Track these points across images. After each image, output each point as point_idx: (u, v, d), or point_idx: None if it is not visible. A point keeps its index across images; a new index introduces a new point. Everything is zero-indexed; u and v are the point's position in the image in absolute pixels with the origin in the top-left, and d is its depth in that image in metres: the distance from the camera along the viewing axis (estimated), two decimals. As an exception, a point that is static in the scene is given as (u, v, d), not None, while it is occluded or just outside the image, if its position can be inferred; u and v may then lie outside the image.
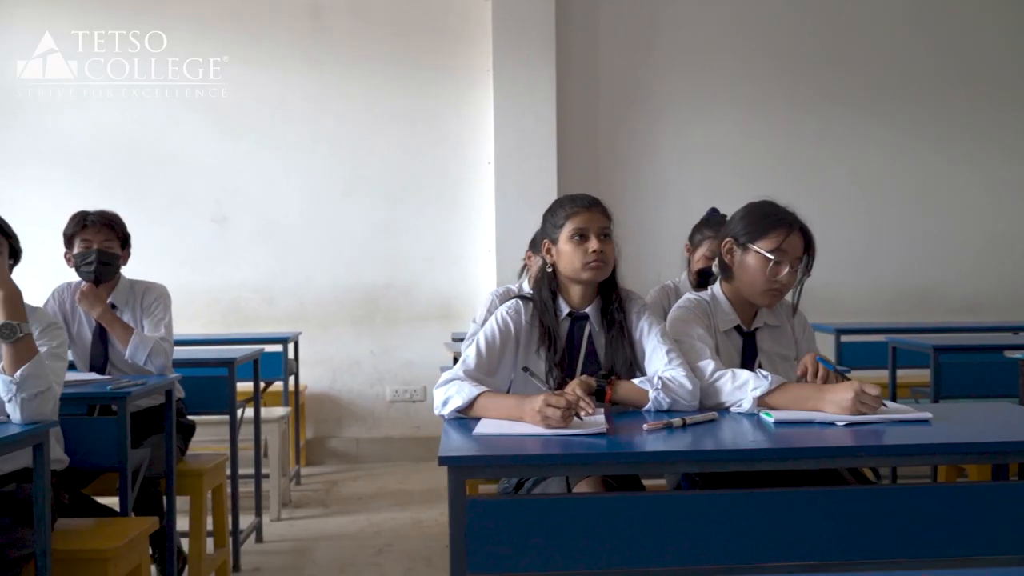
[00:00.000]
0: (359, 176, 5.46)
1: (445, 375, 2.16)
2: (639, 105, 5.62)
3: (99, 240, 3.05)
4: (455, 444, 1.70)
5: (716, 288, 2.40)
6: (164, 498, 2.94)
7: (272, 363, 4.57)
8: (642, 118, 5.62)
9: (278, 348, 4.60)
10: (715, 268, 2.44)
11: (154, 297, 3.15)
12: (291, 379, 4.84)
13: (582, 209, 2.20)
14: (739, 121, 5.65)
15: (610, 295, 2.24)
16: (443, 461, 1.58)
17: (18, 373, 2.04)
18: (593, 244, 2.17)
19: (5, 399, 2.06)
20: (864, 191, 5.71)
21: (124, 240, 3.15)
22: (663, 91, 5.62)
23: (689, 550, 1.61)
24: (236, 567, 3.53)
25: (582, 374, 2.15)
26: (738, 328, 2.34)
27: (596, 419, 1.89)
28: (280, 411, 4.43)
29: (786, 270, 2.22)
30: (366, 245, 5.46)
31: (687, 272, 3.43)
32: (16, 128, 5.30)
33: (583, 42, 5.55)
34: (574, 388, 1.99)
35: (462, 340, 4.33)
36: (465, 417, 2.03)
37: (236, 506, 3.58)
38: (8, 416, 2.09)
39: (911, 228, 5.71)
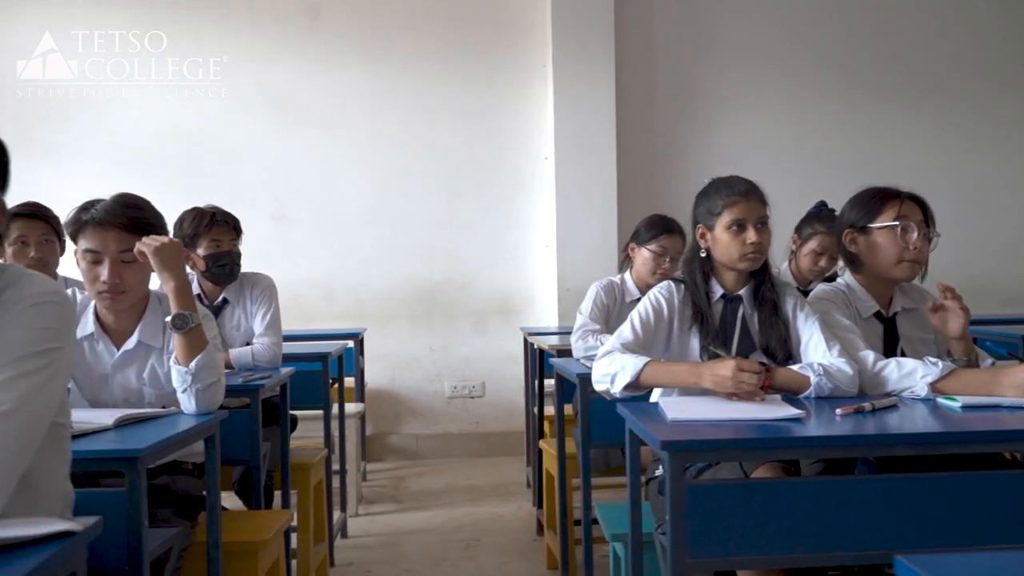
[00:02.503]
0: (417, 172, 5.45)
1: (601, 350, 2.17)
2: (695, 100, 5.62)
3: (226, 240, 3.03)
4: (662, 429, 1.69)
5: (847, 277, 2.40)
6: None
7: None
8: (698, 113, 5.62)
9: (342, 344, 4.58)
10: (838, 269, 2.48)
11: (261, 289, 3.14)
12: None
13: (739, 198, 2.19)
14: (793, 117, 5.66)
15: (763, 277, 2.25)
16: (665, 446, 1.58)
17: (193, 364, 2.03)
18: (751, 235, 2.17)
19: (179, 389, 2.04)
20: (917, 186, 5.71)
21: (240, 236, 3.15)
22: (718, 86, 5.63)
23: (913, 531, 1.61)
24: (331, 562, 3.52)
25: (737, 354, 2.16)
26: (877, 314, 2.34)
27: (778, 403, 1.89)
28: (356, 407, 4.42)
29: (915, 234, 2.24)
30: (424, 241, 5.45)
31: (791, 262, 3.47)
32: (72, 125, 5.27)
33: (639, 37, 5.55)
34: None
35: (538, 334, 4.34)
36: (635, 394, 2.03)
37: (332, 501, 3.56)
38: (178, 406, 2.08)
39: (965, 222, 5.72)
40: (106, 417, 1.82)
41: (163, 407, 2.16)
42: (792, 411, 1.80)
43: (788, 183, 5.63)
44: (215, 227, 3.05)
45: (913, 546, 1.64)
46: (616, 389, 2.04)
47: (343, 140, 5.44)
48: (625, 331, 2.17)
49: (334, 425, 3.90)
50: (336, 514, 3.87)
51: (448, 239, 5.46)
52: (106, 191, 2.25)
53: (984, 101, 5.78)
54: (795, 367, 2.10)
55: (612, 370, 2.06)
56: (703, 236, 2.25)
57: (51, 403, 1.28)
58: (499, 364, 5.46)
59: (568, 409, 3.63)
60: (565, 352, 3.52)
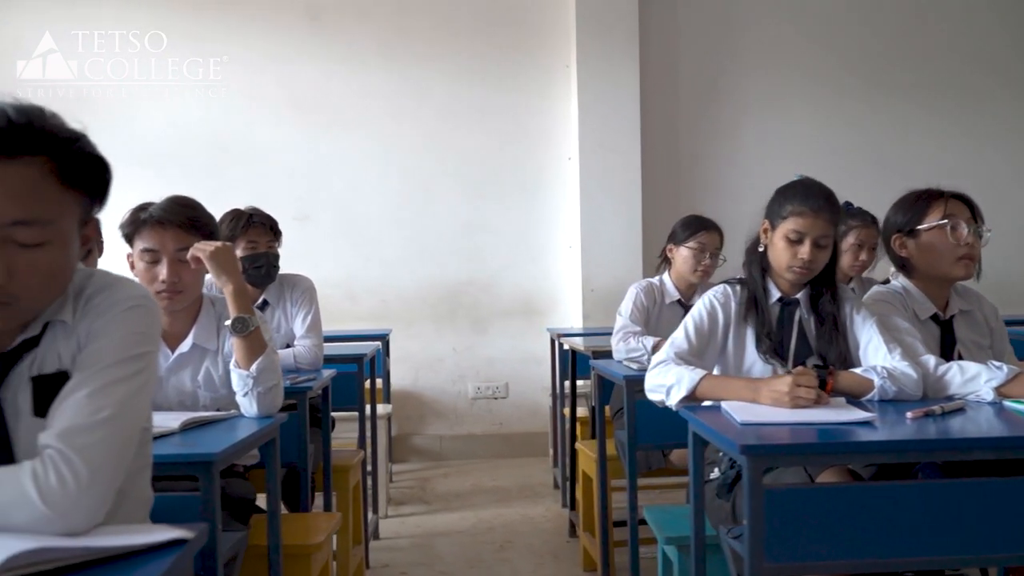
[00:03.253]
0: (440, 172, 5.45)
1: (654, 359, 2.16)
2: (718, 100, 5.61)
3: (264, 242, 3.02)
4: (737, 433, 1.68)
5: (902, 280, 2.39)
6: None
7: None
8: (721, 113, 5.61)
9: (375, 346, 4.57)
10: (890, 275, 2.47)
11: (301, 290, 3.13)
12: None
13: (809, 213, 2.14)
14: (817, 117, 5.65)
15: (821, 288, 2.23)
16: (745, 450, 1.57)
17: (254, 367, 2.02)
18: (804, 251, 2.14)
19: (240, 393, 2.04)
20: (941, 186, 5.70)
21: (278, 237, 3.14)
22: (741, 86, 5.62)
23: (987, 536, 1.60)
24: (366, 564, 3.51)
25: (794, 359, 2.16)
26: (934, 317, 2.33)
27: (843, 405, 1.89)
28: (384, 408, 4.41)
29: (965, 231, 2.24)
30: (447, 241, 5.45)
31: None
32: (98, 126, 5.25)
33: (663, 37, 5.54)
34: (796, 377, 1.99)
35: (570, 335, 4.34)
36: (692, 404, 2.02)
37: (367, 503, 3.56)
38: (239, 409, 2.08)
39: (990, 221, 5.70)
40: (171, 421, 1.82)
41: (217, 410, 2.16)
42: (861, 414, 1.79)
43: (812, 183, 5.64)
44: (252, 228, 3.04)
45: (986, 552, 1.64)
46: (672, 402, 2.04)
47: (366, 140, 5.43)
48: (679, 339, 2.16)
49: (351, 427, 3.89)
50: (368, 516, 3.87)
51: (471, 240, 5.45)
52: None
53: (1008, 100, 5.77)
54: (857, 370, 2.09)
55: (667, 382, 2.05)
56: (765, 231, 2.23)
57: (144, 408, 1.27)
58: (523, 365, 5.46)
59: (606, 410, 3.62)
60: (601, 354, 3.52)
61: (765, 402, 1.88)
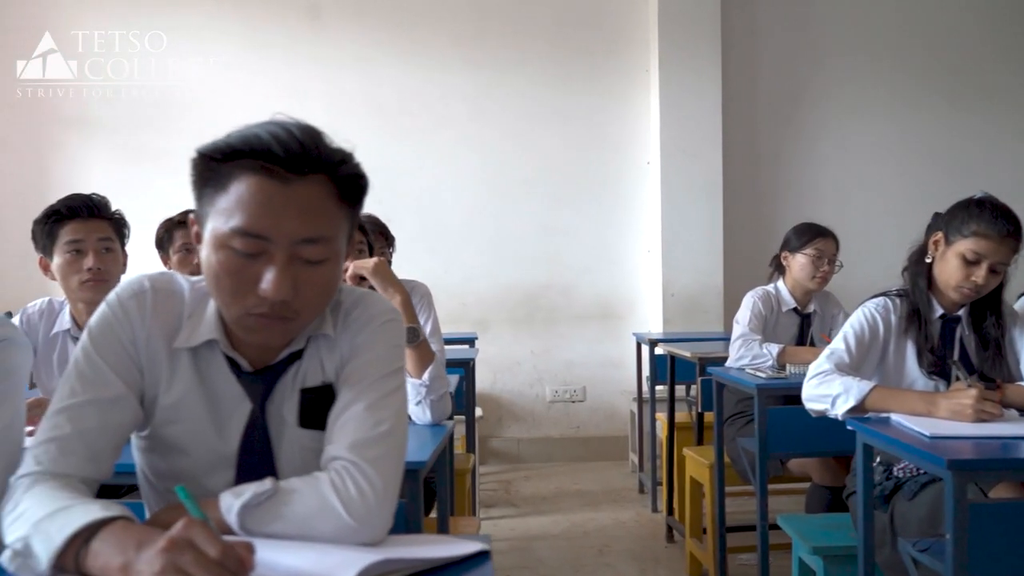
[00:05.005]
0: (519, 176, 5.47)
1: (813, 369, 2.16)
2: (797, 103, 5.59)
3: (378, 246, 3.06)
4: (937, 447, 1.68)
5: None
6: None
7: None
8: (800, 116, 5.59)
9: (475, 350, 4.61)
10: None
11: (420, 296, 3.15)
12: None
13: (995, 238, 2.07)
14: (898, 119, 5.61)
15: (985, 310, 2.20)
16: (952, 465, 1.57)
17: (425, 376, 2.05)
18: (979, 275, 2.09)
19: (413, 402, 2.06)
20: (1024, 190, 5.65)
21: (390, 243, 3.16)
22: (821, 89, 5.60)
23: None
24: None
25: (956, 377, 2.15)
26: None
27: (1017, 419, 1.89)
28: (478, 411, 4.44)
29: None
30: (526, 245, 5.47)
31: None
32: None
33: (743, 41, 5.53)
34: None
35: (655, 341, 4.34)
36: (854, 417, 2.02)
37: (476, 506, 3.59)
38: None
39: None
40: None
41: None
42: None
43: (892, 188, 5.62)
44: (364, 234, 3.07)
45: None
46: (838, 411, 2.04)
47: (446, 145, 5.47)
48: (839, 349, 2.16)
49: (459, 429, 3.92)
50: (465, 518, 3.90)
51: (550, 243, 5.47)
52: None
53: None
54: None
55: (832, 392, 2.05)
56: (936, 243, 2.20)
57: (406, 417, 1.30)
58: (600, 369, 5.47)
59: (710, 417, 3.63)
60: (708, 360, 3.52)
61: (942, 415, 1.88)
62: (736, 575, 3.29)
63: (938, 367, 2.16)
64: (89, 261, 2.22)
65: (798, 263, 3.21)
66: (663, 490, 4.21)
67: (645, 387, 4.70)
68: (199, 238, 1.23)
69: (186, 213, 3.15)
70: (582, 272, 5.50)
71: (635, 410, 4.92)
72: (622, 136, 5.49)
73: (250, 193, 1.13)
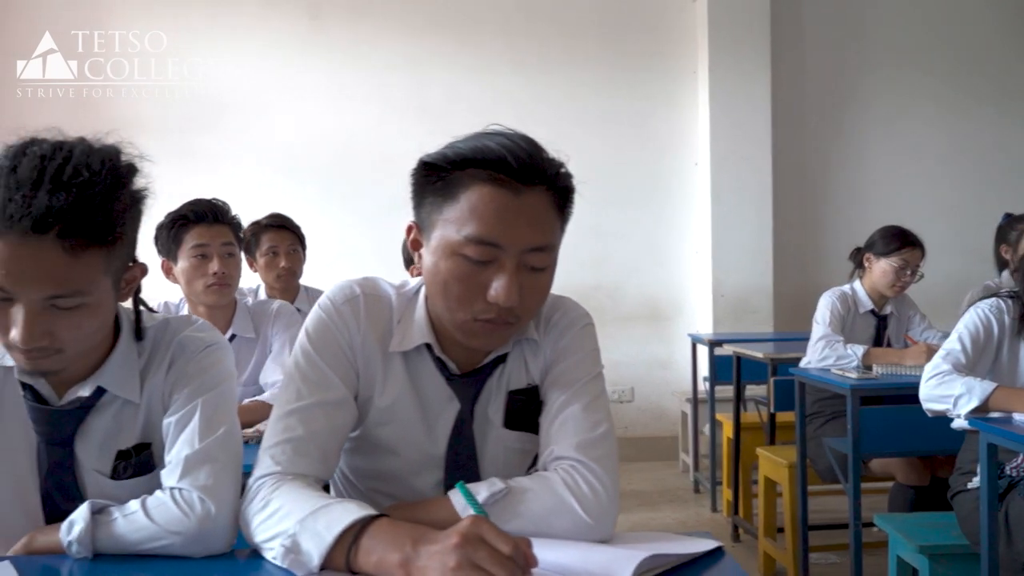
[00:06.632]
0: (567, 178, 5.49)
1: (930, 370, 2.20)
2: (846, 103, 5.63)
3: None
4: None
5: None
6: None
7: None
8: (849, 117, 5.63)
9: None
10: None
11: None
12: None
13: None
14: (946, 121, 5.64)
15: None
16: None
17: None
18: None
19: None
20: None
21: None
22: (869, 91, 5.63)
23: None
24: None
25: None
26: None
27: None
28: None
29: None
30: (573, 246, 5.35)
31: (1011, 271, 3.47)
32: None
33: (791, 43, 5.56)
34: None
35: (714, 342, 4.37)
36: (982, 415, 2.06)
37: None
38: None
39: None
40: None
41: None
42: None
43: (939, 191, 5.65)
44: None
45: None
46: (961, 411, 2.08)
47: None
48: (955, 350, 2.20)
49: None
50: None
51: (597, 245, 5.50)
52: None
53: None
54: None
55: (953, 392, 2.09)
56: None
57: None
58: (648, 369, 5.50)
59: (783, 417, 3.67)
60: (780, 360, 3.56)
61: None
62: (815, 574, 3.32)
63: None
64: (214, 266, 2.26)
65: (880, 268, 3.22)
66: (723, 490, 4.26)
67: (701, 387, 4.73)
68: (417, 245, 1.26)
69: (273, 216, 3.20)
70: (630, 273, 5.53)
71: (687, 411, 4.95)
72: (670, 138, 5.52)
73: (483, 202, 1.17)
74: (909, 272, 3.19)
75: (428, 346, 1.28)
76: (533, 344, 1.32)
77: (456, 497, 1.15)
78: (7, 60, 5.21)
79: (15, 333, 1.10)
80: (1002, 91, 5.65)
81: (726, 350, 4.09)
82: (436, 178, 1.21)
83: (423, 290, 1.31)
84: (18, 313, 1.09)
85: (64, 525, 1.13)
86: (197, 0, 5.36)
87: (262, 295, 3.19)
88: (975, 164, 5.62)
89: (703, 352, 4.62)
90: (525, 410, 1.30)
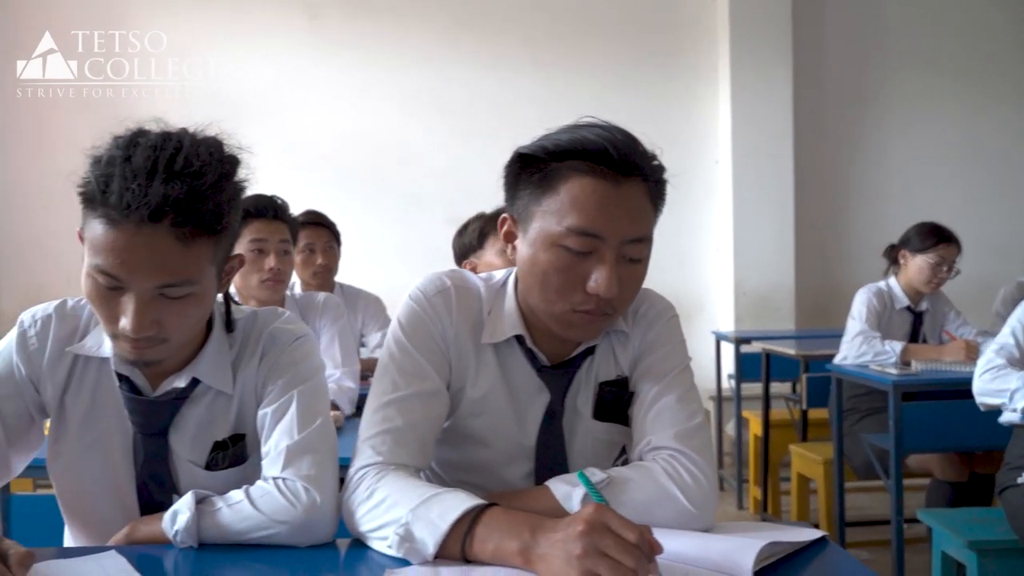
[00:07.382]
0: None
1: (984, 364, 2.21)
2: (867, 102, 5.63)
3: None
4: None
5: None
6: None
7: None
8: (870, 115, 5.63)
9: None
10: None
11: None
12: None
13: None
14: (966, 122, 5.65)
15: None
16: None
17: None
18: None
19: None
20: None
21: None
22: (890, 89, 5.63)
23: None
24: None
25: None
26: None
27: None
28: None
29: None
30: (595, 245, 5.49)
31: None
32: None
33: (812, 41, 5.56)
34: None
35: (741, 339, 4.37)
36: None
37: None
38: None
39: None
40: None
41: None
42: None
43: (961, 187, 5.65)
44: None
45: None
46: (1018, 405, 2.09)
47: (514, 144, 5.47)
48: (1008, 344, 2.21)
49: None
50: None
51: (618, 243, 5.50)
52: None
53: None
54: None
55: (1009, 387, 2.10)
56: None
57: None
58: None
59: (814, 414, 3.67)
60: (811, 357, 3.57)
61: None
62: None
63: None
64: (271, 262, 2.26)
65: (916, 265, 3.22)
66: (750, 487, 4.26)
67: (725, 385, 4.73)
68: (511, 237, 1.27)
69: (309, 213, 3.19)
70: (651, 271, 5.34)
71: (711, 408, 4.96)
72: (691, 136, 5.52)
73: (585, 194, 1.18)
74: (945, 268, 3.19)
75: (519, 338, 1.29)
76: (622, 336, 1.33)
77: (557, 487, 1.16)
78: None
79: (124, 322, 1.10)
80: (1021, 91, 5.65)
81: (754, 347, 4.10)
82: (535, 170, 1.22)
83: (511, 281, 1.31)
84: (129, 302, 1.10)
85: (168, 515, 1.13)
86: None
87: (298, 291, 3.19)
88: (994, 163, 5.62)
89: (727, 350, 4.63)
90: (615, 402, 1.30)
